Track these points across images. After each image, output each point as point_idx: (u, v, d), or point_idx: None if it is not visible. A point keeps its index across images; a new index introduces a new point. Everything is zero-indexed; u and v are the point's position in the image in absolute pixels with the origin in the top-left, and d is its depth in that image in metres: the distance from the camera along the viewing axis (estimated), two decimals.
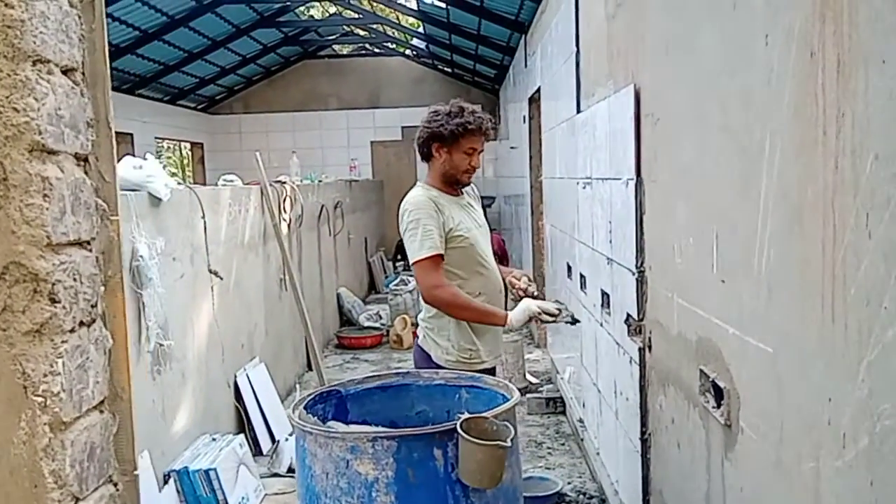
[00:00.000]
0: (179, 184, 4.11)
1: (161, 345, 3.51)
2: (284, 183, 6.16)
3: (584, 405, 4.38)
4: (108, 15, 6.39)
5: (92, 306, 0.94)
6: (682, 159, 2.24)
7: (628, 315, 2.91)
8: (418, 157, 3.08)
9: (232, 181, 5.21)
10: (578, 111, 4.05)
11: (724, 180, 1.84)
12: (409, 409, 2.52)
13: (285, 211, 6.02)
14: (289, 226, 6.14)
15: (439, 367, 2.81)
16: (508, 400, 2.23)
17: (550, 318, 2.83)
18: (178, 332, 3.77)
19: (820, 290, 1.35)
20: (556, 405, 5.29)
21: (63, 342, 0.88)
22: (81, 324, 0.92)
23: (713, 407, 1.98)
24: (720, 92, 1.86)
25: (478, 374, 2.52)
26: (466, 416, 1.95)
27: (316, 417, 2.26)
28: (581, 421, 4.43)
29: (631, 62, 2.82)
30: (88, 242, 0.95)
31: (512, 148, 9.17)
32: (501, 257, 8.14)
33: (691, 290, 2.18)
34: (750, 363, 1.73)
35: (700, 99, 2.02)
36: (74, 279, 0.90)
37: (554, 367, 5.83)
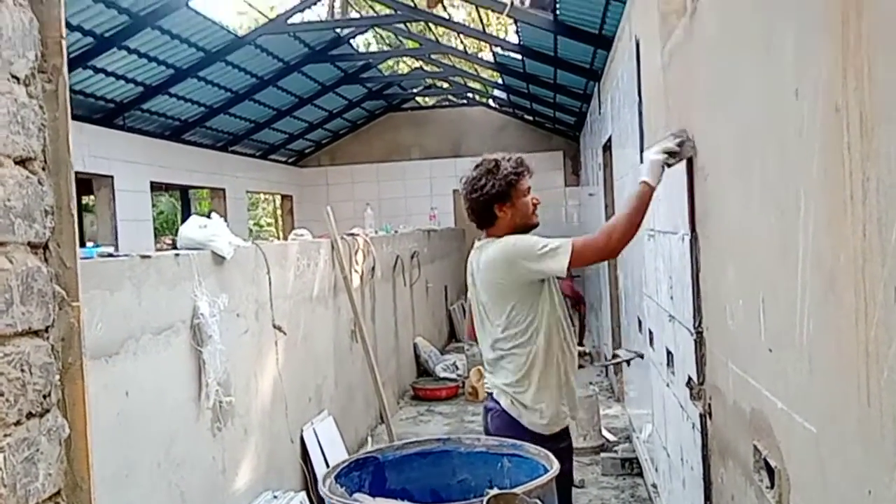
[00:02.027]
0: (245, 240, 4.21)
1: (222, 402, 3.56)
2: (357, 235, 6.25)
3: (657, 469, 4.14)
4: (202, 79, 6.73)
5: (44, 396, 0.94)
6: (729, 216, 2.10)
7: (689, 378, 2.74)
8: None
9: (302, 235, 5.32)
10: (642, 161, 3.92)
11: (767, 240, 1.71)
12: (451, 476, 2.43)
13: (357, 263, 6.09)
14: (361, 278, 6.20)
15: (528, 431, 2.70)
16: (548, 472, 2.12)
17: (674, 160, 2.56)
18: (240, 387, 3.82)
19: (855, 368, 1.21)
20: (632, 466, 5.04)
21: (6, 436, 0.87)
22: (30, 415, 0.92)
23: (766, 487, 1.81)
24: (760, 146, 1.74)
25: (520, 443, 2.42)
26: (494, 492, 1.85)
27: (349, 487, 2.21)
28: (654, 486, 4.19)
29: (683, 113, 2.71)
30: (43, 331, 0.95)
31: (590, 195, 9.03)
32: (575, 300, 7.96)
33: (743, 356, 2.02)
34: (797, 442, 1.57)
35: (743, 153, 1.90)
36: (22, 370, 0.90)
37: (631, 424, 5.58)
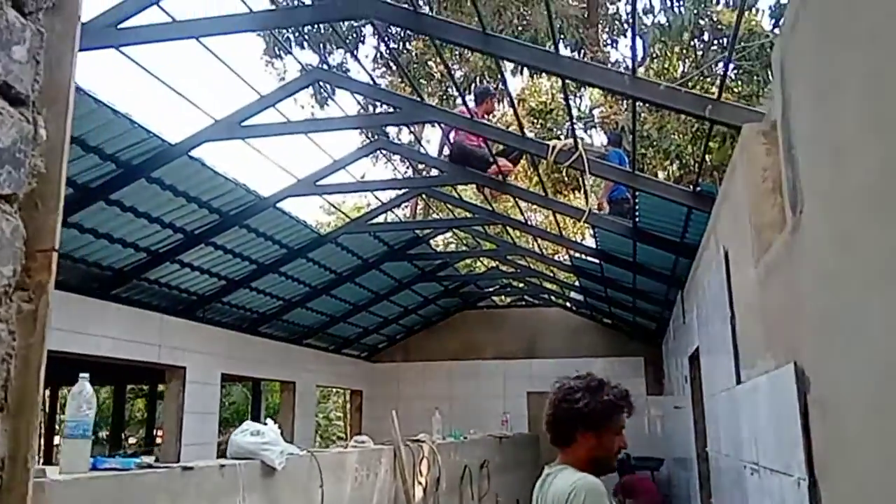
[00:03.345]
0: (301, 448, 3.93)
1: None
2: (422, 442, 5.86)
3: None
4: (282, 274, 6.79)
5: None
6: (863, 464, 1.71)
7: None
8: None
9: (363, 442, 4.99)
10: (738, 381, 3.54)
11: None
12: None
13: (421, 473, 5.66)
14: (424, 490, 5.73)
15: None
16: None
17: None
18: None
19: None
20: None
21: None
22: None
23: None
24: None
25: None
26: None
27: None
28: None
29: (788, 336, 2.38)
30: None
31: (676, 407, 8.43)
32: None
33: None
34: None
35: (882, 394, 1.56)
36: None
37: None
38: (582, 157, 5.96)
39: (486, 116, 7.14)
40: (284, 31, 11.18)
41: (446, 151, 7.40)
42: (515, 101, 14.53)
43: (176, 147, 6.03)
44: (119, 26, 4.45)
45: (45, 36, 0.87)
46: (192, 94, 5.42)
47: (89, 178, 5.98)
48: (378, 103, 10.10)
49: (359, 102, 11.25)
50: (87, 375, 2.63)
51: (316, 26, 11.75)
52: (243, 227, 7.68)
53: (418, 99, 5.81)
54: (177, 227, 7.20)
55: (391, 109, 6.60)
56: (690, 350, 6.18)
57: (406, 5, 4.39)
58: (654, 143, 13.24)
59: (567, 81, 5.10)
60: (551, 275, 13.01)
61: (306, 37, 11.69)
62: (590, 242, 9.72)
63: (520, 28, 12.93)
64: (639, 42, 14.80)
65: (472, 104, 6.97)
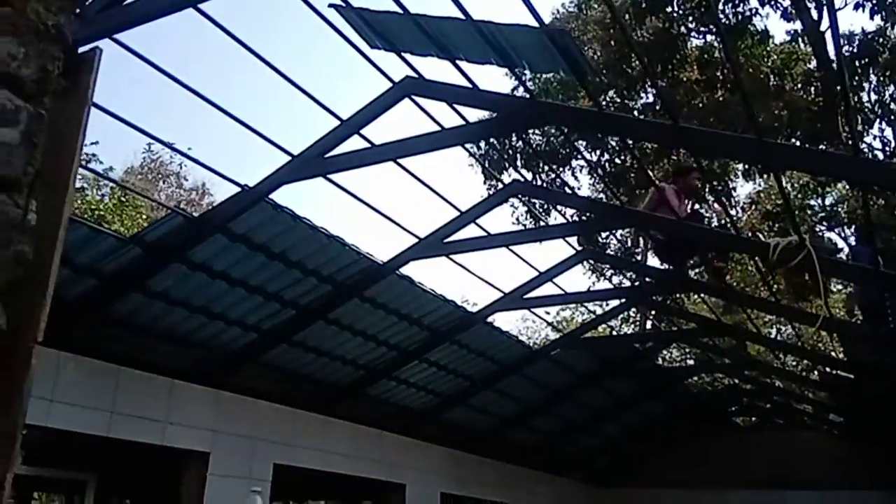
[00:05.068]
0: None
1: None
2: None
3: None
4: (496, 390, 6.64)
5: None
6: None
7: None
8: None
9: None
10: None
11: None
12: None
13: None
14: None
15: None
16: None
17: None
18: None
19: None
20: None
21: None
22: None
23: None
24: None
25: None
26: None
27: None
28: None
29: None
30: None
31: None
32: None
33: None
34: None
35: None
36: None
37: None
38: (811, 254, 5.29)
39: (687, 198, 6.36)
40: (497, 153, 11.62)
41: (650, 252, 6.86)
42: (749, 205, 13.61)
43: (385, 266, 6.32)
44: (325, 155, 4.84)
45: (48, 119, 0.85)
46: (395, 212, 5.76)
47: (310, 300, 6.42)
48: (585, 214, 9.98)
49: (564, 217, 11.19)
50: (259, 489, 2.65)
51: (527, 147, 12.11)
52: (454, 343, 7.75)
53: (617, 203, 5.59)
54: (391, 345, 7.44)
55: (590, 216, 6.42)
56: None
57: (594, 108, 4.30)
58: None
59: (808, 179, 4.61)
60: (800, 392, 11.54)
61: (519, 155, 12.06)
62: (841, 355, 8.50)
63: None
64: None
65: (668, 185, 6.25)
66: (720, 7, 12.99)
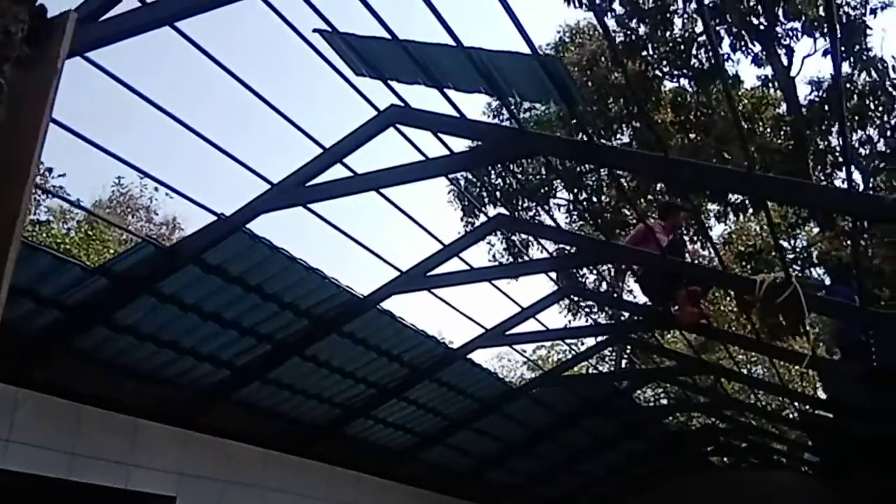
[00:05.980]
0: None
1: None
2: None
3: None
4: (475, 430, 6.42)
5: None
6: None
7: None
8: None
9: None
10: None
11: None
12: None
13: None
14: None
15: None
16: None
17: None
18: None
19: None
20: None
21: None
22: None
23: None
24: None
25: None
26: None
27: None
28: None
29: None
30: None
31: None
32: None
33: None
34: None
35: None
36: None
37: None
38: (797, 291, 5.23)
39: (672, 234, 6.35)
40: (476, 189, 11.55)
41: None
42: (722, 245, 13.71)
43: (366, 300, 6.13)
44: (307, 184, 4.68)
45: (7, 91, 0.69)
46: (376, 244, 5.59)
47: (286, 335, 6.18)
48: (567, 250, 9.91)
49: (549, 252, 11.14)
50: None
51: (506, 182, 12.08)
52: (434, 381, 7.54)
53: (602, 238, 5.49)
54: (369, 382, 7.20)
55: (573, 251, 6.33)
56: None
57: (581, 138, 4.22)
58: (889, 278, 11.64)
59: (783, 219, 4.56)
60: (776, 432, 11.46)
61: (498, 192, 12.01)
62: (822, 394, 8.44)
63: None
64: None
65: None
66: (693, 52, 13.23)
